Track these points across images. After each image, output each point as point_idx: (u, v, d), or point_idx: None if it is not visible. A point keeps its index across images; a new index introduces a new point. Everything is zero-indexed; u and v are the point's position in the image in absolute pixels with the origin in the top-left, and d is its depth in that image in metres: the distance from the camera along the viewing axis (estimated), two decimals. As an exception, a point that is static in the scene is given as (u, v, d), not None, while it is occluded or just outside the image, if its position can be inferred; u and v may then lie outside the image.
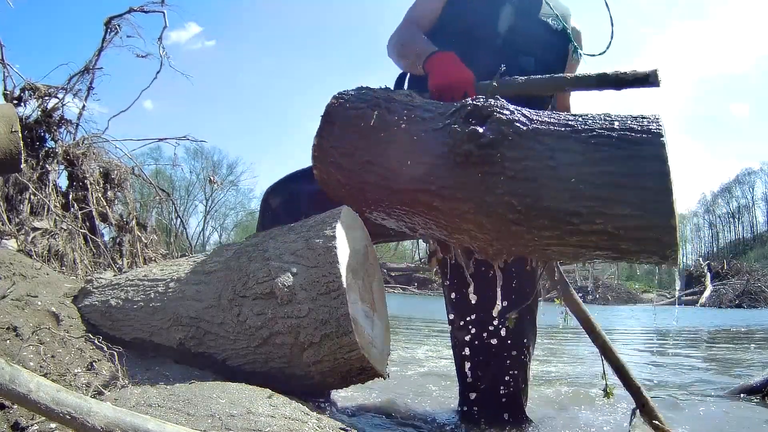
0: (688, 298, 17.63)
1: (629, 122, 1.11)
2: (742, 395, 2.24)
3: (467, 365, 1.66)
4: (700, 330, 7.02)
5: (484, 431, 1.54)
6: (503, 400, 1.62)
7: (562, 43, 1.74)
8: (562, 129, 1.13)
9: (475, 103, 1.20)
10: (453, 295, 1.68)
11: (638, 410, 1.36)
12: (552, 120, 1.16)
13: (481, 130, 1.14)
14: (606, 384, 1.50)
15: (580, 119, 1.15)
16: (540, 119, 1.16)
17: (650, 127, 1.09)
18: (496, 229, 1.15)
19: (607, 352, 1.35)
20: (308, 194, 1.59)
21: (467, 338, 1.63)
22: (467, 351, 1.65)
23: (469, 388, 1.67)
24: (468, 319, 1.62)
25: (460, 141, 1.15)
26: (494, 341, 1.58)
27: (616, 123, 1.11)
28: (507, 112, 1.16)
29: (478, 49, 1.62)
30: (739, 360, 3.84)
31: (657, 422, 1.32)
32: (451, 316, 1.72)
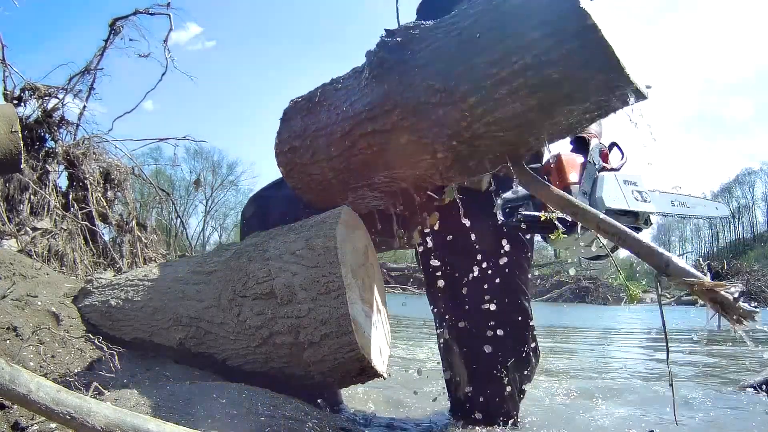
0: (688, 298, 17.64)
1: None
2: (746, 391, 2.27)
3: (445, 367, 1.64)
4: (704, 329, 7.01)
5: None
6: (474, 408, 1.56)
7: None
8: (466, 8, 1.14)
9: (386, 29, 1.25)
10: (432, 296, 1.65)
11: (662, 275, 1.08)
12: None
13: (390, 38, 1.19)
14: (627, 286, 1.31)
15: None
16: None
17: None
18: (427, 123, 1.13)
19: (602, 227, 1.12)
20: (276, 199, 1.64)
21: (442, 341, 1.62)
22: (445, 353, 1.63)
23: (450, 390, 1.65)
24: (443, 318, 1.60)
25: (373, 54, 1.21)
26: (464, 349, 1.55)
27: None
28: (415, 22, 1.21)
29: None
30: (740, 358, 3.84)
31: (691, 279, 1.03)
32: (434, 313, 1.70)
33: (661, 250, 1.08)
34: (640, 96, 1.00)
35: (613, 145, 1.61)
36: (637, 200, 1.55)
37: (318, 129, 1.34)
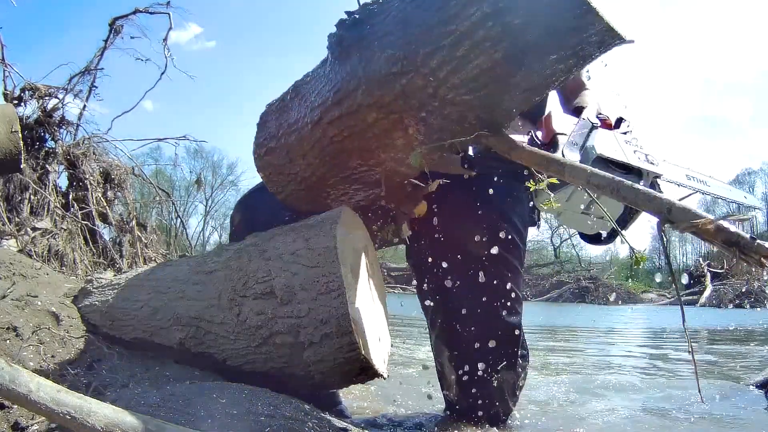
0: (688, 298, 17.63)
1: None
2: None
3: (437, 367, 1.64)
4: (706, 329, 7.03)
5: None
6: (464, 410, 1.56)
7: None
8: None
9: (346, 11, 1.21)
10: (422, 296, 1.63)
11: (666, 222, 0.91)
12: None
13: (348, 17, 1.16)
14: (631, 248, 1.18)
15: None
16: None
17: None
18: (392, 96, 1.08)
19: (593, 181, 1.00)
20: (262, 203, 1.63)
21: (433, 342, 1.61)
22: (436, 354, 1.62)
23: (443, 390, 1.65)
24: (434, 320, 1.59)
25: (333, 36, 1.17)
26: (454, 351, 1.53)
27: None
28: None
29: None
30: (740, 357, 3.84)
31: (697, 220, 0.87)
32: (425, 315, 1.69)
33: (660, 194, 0.94)
34: (616, 37, 0.92)
35: (620, 120, 1.50)
36: (641, 159, 1.41)
37: (290, 125, 1.31)
